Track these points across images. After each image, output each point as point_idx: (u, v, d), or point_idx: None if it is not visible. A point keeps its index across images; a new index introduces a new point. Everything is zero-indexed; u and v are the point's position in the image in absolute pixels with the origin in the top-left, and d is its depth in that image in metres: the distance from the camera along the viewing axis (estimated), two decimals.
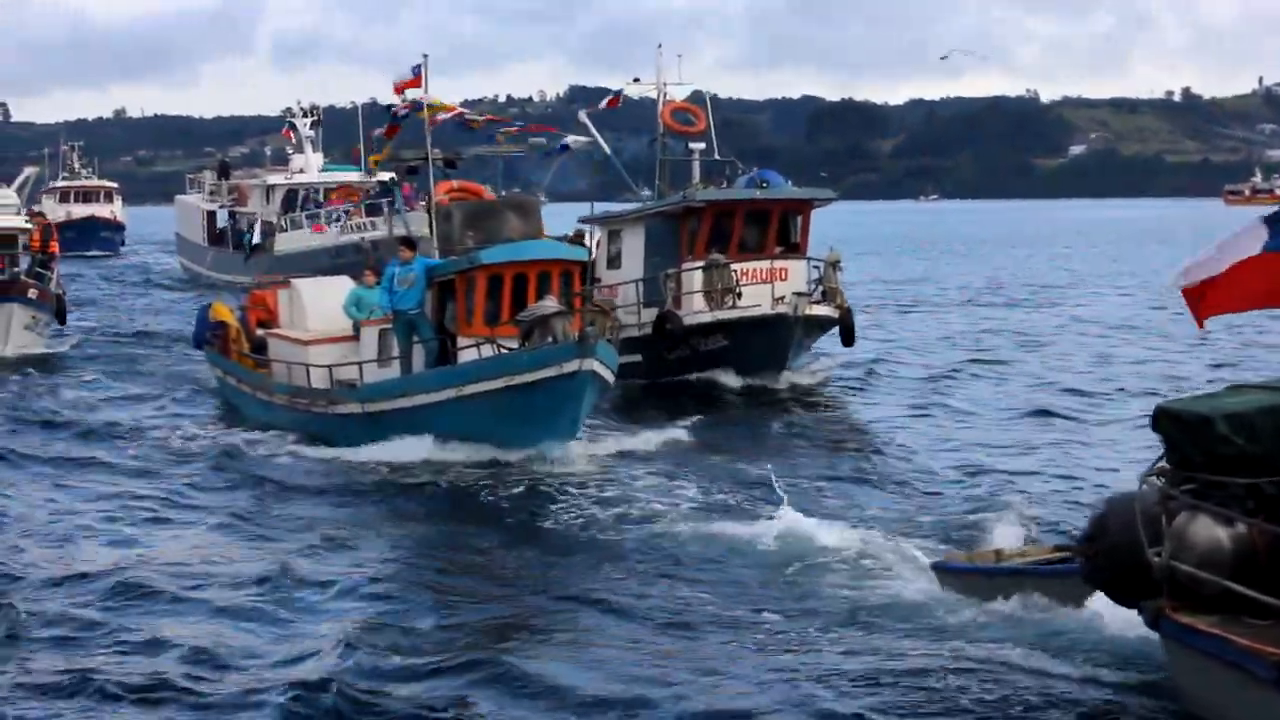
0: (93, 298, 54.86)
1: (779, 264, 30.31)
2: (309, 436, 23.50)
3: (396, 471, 21.14)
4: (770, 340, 28.76)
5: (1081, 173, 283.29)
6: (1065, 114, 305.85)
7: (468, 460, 21.36)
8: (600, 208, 33.37)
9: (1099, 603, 12.06)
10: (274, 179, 67.44)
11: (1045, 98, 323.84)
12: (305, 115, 69.63)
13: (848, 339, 30.32)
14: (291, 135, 69.70)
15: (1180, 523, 10.42)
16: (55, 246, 38.01)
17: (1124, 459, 20.97)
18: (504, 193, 33.05)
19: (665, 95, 33.98)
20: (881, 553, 15.67)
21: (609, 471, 20.77)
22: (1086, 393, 28.84)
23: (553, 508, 18.61)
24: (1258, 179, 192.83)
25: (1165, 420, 10.95)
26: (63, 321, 37.09)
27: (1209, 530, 10.30)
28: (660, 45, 35.37)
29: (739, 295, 29.24)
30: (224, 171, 75.41)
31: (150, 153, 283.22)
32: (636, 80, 35.16)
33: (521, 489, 19.68)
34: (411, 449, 21.73)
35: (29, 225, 37.06)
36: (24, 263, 36.12)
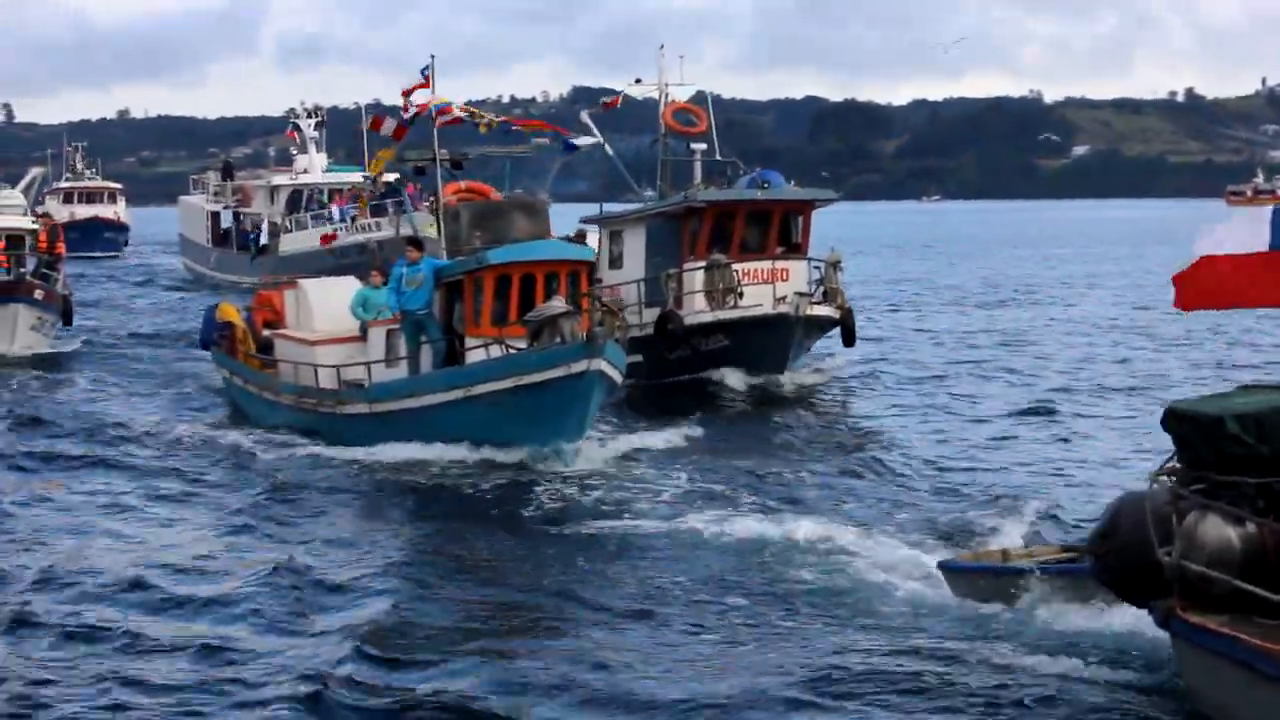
0: (97, 298, 54.90)
1: (780, 264, 30.36)
2: (316, 437, 23.52)
3: (403, 472, 21.15)
4: (771, 340, 28.77)
5: (1084, 173, 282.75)
6: (1068, 114, 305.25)
7: (475, 461, 21.35)
8: (607, 209, 33.40)
9: (1108, 602, 12.11)
10: (278, 180, 67.54)
11: (1049, 98, 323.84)
12: (309, 116, 69.73)
13: (849, 339, 30.37)
14: (295, 136, 69.81)
15: (1191, 522, 10.46)
16: (62, 247, 38.13)
17: (1128, 458, 21.01)
18: (510, 193, 33.04)
19: (667, 96, 34.04)
20: (885, 552, 15.73)
21: (616, 472, 20.79)
22: (1086, 392, 28.86)
23: (560, 508, 18.66)
24: (1260, 180, 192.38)
25: (1176, 420, 10.99)
26: (69, 322, 37.19)
27: (1219, 530, 10.33)
28: (662, 46, 35.44)
29: (740, 295, 29.29)
30: (228, 172, 75.41)
31: (154, 153, 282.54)
32: (638, 81, 35.23)
33: (529, 489, 19.70)
34: (419, 449, 21.74)
35: (36, 226, 37.14)
36: (30, 263, 36.18)
